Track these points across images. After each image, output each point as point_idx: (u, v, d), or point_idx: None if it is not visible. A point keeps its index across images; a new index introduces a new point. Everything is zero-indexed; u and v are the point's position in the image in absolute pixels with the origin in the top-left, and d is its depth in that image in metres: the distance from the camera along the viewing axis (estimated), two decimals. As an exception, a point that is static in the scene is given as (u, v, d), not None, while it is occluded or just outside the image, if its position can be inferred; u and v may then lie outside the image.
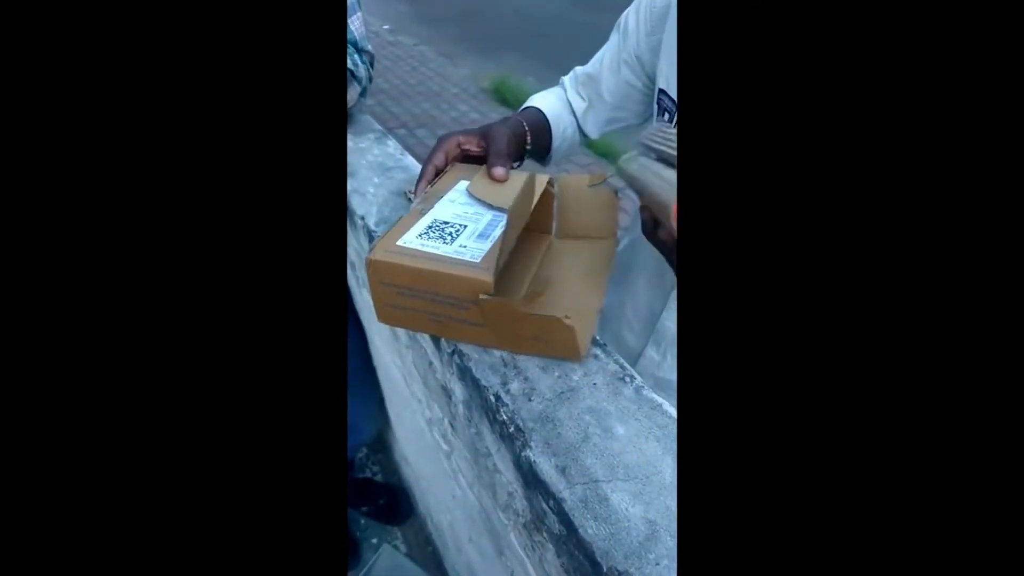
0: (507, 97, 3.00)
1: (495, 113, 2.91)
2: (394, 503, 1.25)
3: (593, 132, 0.72)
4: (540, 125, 0.66)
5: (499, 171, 0.50)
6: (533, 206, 0.45)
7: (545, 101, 0.69)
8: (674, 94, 0.58)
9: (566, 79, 0.73)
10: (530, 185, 0.43)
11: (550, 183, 0.50)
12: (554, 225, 0.54)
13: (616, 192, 0.52)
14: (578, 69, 0.71)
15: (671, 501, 0.34)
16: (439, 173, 0.53)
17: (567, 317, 0.39)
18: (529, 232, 0.54)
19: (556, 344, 0.42)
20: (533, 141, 0.61)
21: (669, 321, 0.67)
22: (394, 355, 0.74)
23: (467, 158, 0.55)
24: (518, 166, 0.60)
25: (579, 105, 0.71)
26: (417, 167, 0.71)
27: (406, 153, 0.77)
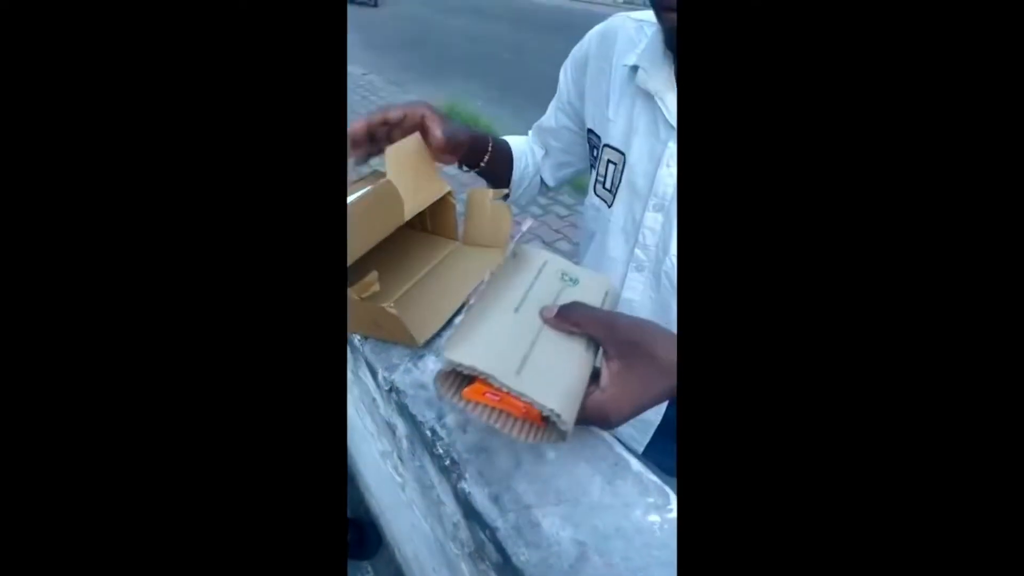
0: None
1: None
2: (362, 537, 1.23)
3: (550, 180, 0.76)
4: (503, 153, 0.69)
5: (437, 133, 0.53)
6: (414, 213, 0.49)
7: (515, 140, 0.73)
8: (599, 132, 0.63)
9: (532, 130, 0.77)
10: (389, 191, 0.46)
11: (450, 194, 0.55)
12: (461, 233, 0.60)
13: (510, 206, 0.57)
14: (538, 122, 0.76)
15: (598, 520, 0.35)
16: (386, 123, 0.52)
17: (390, 305, 0.44)
18: (430, 237, 0.61)
19: (393, 330, 0.47)
20: (491, 160, 0.64)
21: None
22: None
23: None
24: (466, 170, 0.63)
25: (538, 153, 0.75)
26: None
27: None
